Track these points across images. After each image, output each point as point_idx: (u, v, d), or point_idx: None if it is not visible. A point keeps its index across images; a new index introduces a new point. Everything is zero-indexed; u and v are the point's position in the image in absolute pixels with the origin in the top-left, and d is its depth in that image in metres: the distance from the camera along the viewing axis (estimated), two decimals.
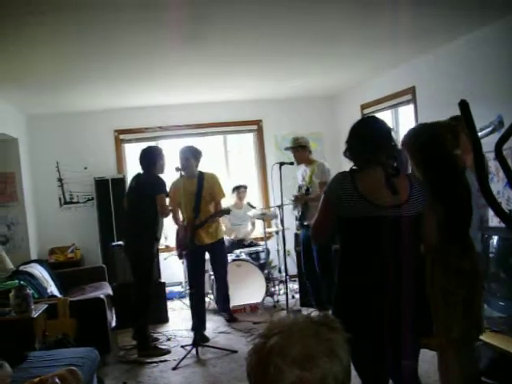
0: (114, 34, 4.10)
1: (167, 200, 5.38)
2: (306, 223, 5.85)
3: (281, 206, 6.34)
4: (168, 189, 5.35)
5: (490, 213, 3.57)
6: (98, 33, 4.01)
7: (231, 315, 6.24)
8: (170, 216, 5.61)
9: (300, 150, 6.09)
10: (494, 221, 3.86)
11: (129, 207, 5.47)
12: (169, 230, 6.87)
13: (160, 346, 5.47)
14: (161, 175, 5.38)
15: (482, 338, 3.34)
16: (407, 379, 2.69)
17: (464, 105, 2.10)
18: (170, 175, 5.68)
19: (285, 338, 1.08)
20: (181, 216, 5.76)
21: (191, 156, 5.62)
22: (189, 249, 5.41)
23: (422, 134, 3.05)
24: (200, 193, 5.62)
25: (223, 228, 6.87)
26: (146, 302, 5.32)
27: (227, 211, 5.93)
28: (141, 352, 5.28)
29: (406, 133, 3.20)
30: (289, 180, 6.47)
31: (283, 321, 1.13)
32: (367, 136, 2.61)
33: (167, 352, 5.31)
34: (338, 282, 2.64)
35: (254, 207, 7.39)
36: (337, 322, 1.15)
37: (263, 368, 1.06)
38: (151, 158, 5.38)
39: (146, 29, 4.01)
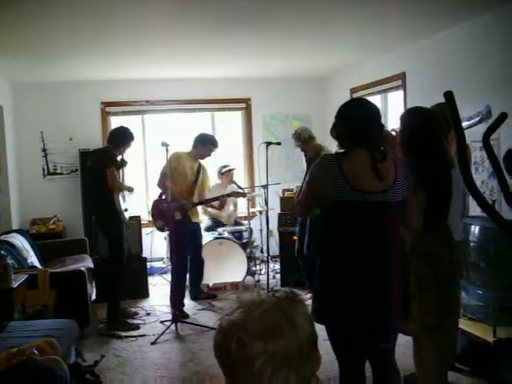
0: (103, 6, 4.02)
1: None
2: None
3: (266, 186, 6.34)
4: (169, 156, 5.26)
5: (472, 202, 3.60)
6: (89, 4, 3.94)
7: (208, 293, 6.29)
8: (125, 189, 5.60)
9: (307, 144, 5.72)
10: (476, 210, 3.90)
11: (88, 185, 5.74)
12: (139, 202, 7.12)
13: (129, 321, 5.44)
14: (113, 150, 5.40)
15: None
16: (384, 362, 2.73)
17: (449, 96, 2.08)
18: (157, 150, 5.73)
19: (247, 312, 1.08)
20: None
21: None
22: (178, 221, 5.43)
23: (419, 117, 3.05)
24: (198, 176, 5.85)
25: (209, 210, 6.91)
26: (118, 275, 5.35)
27: (244, 194, 6.50)
28: (108, 325, 5.27)
29: (402, 113, 3.21)
30: (275, 160, 6.47)
31: (246, 297, 1.13)
32: (352, 118, 2.59)
33: (136, 327, 5.28)
34: (320, 266, 2.63)
35: (241, 188, 6.80)
36: (299, 295, 1.15)
37: (227, 344, 1.06)
38: (122, 140, 5.45)
39: (136, 2, 3.94)
